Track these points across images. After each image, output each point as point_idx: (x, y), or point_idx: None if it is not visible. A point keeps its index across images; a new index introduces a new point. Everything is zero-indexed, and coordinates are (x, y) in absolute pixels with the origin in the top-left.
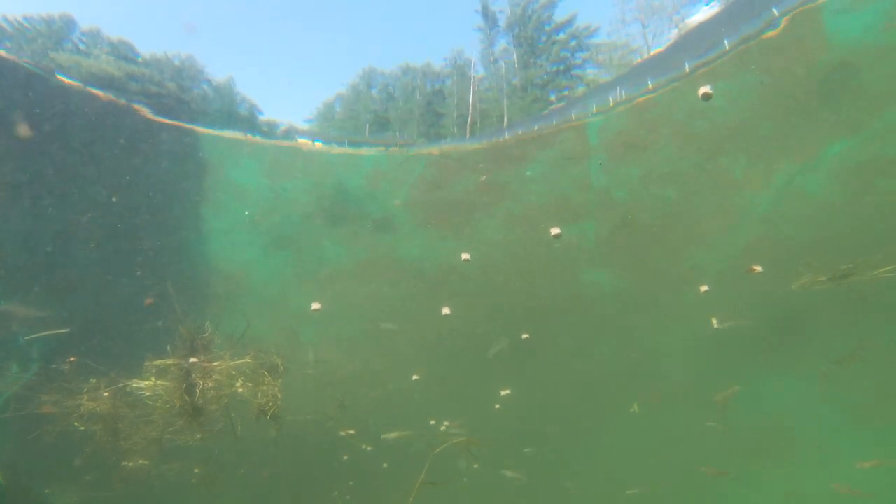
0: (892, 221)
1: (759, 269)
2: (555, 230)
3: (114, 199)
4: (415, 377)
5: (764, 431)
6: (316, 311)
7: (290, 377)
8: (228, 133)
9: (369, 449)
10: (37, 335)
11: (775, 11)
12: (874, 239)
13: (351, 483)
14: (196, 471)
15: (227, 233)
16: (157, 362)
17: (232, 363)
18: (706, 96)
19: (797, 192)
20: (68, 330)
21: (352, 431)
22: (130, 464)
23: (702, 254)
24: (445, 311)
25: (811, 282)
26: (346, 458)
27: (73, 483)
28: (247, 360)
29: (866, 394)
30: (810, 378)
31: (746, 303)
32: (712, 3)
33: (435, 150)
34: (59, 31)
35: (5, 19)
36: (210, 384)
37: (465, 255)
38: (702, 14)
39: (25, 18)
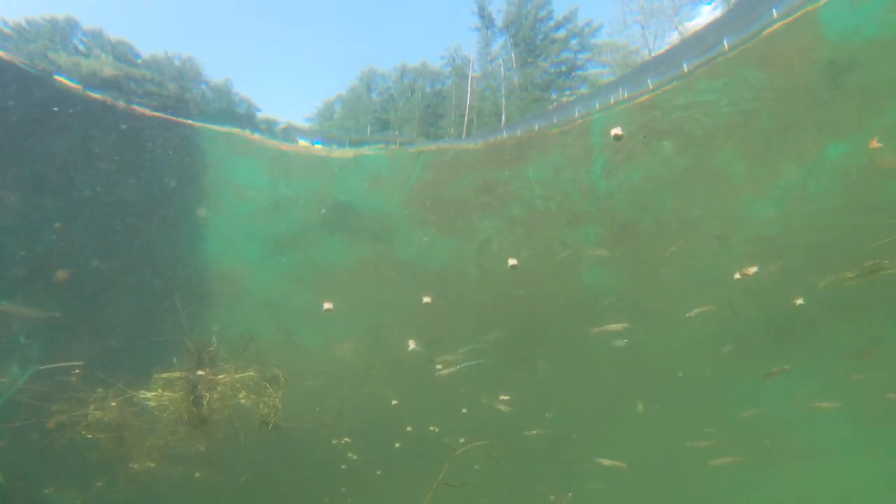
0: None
1: (753, 270)
2: (512, 261)
3: (113, 199)
4: (394, 402)
5: (764, 431)
6: (328, 310)
7: (291, 383)
8: (227, 128)
9: (355, 457)
10: (53, 365)
11: (775, 13)
12: (874, 239)
13: (343, 489)
14: (197, 475)
15: (226, 233)
16: (166, 375)
17: (237, 376)
18: (617, 137)
19: (797, 192)
20: (82, 363)
21: (347, 439)
22: (137, 466)
23: (701, 254)
24: (412, 345)
25: (839, 279)
26: (343, 466)
27: (78, 485)
28: (251, 373)
29: (871, 393)
30: (813, 377)
31: (748, 301)
32: (714, 4)
33: (433, 146)
34: (61, 32)
35: (4, 22)
36: (216, 395)
37: (426, 299)
38: (703, 16)
39: (28, 22)
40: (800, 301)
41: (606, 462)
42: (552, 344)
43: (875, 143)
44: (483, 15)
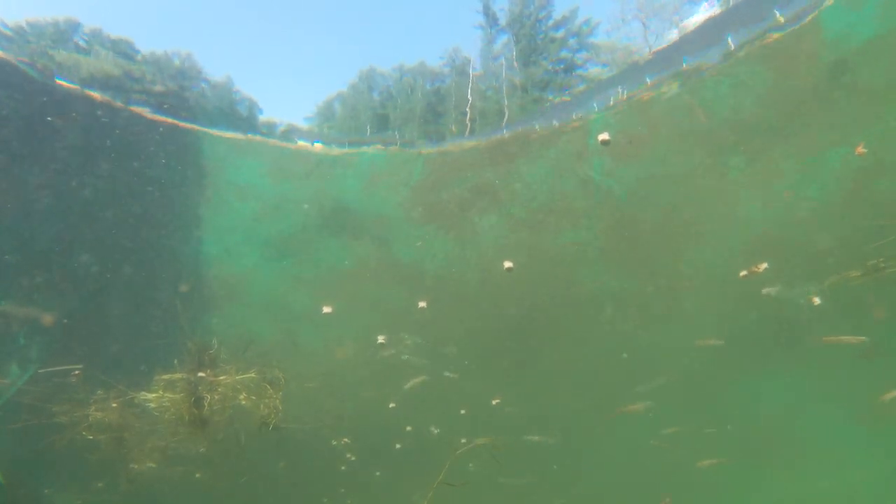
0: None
1: (763, 267)
2: (507, 263)
3: (113, 200)
4: (392, 405)
5: (763, 431)
6: (327, 313)
7: (291, 386)
8: (229, 133)
9: (354, 458)
10: (51, 369)
11: (778, 15)
12: (875, 240)
13: (342, 490)
14: (197, 476)
15: (227, 234)
16: (167, 376)
17: (237, 377)
18: (604, 142)
19: (797, 193)
20: (82, 365)
21: (346, 440)
22: (137, 467)
23: (701, 255)
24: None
25: (844, 278)
26: (343, 468)
27: (78, 485)
28: (252, 374)
29: (869, 392)
30: (811, 377)
31: (746, 302)
32: (713, 3)
33: (433, 149)
34: (62, 34)
35: (4, 24)
36: (216, 397)
37: (421, 303)
38: (702, 14)
39: (29, 24)
40: (816, 300)
41: (535, 438)
42: (550, 345)
43: (861, 150)
44: (487, 13)
